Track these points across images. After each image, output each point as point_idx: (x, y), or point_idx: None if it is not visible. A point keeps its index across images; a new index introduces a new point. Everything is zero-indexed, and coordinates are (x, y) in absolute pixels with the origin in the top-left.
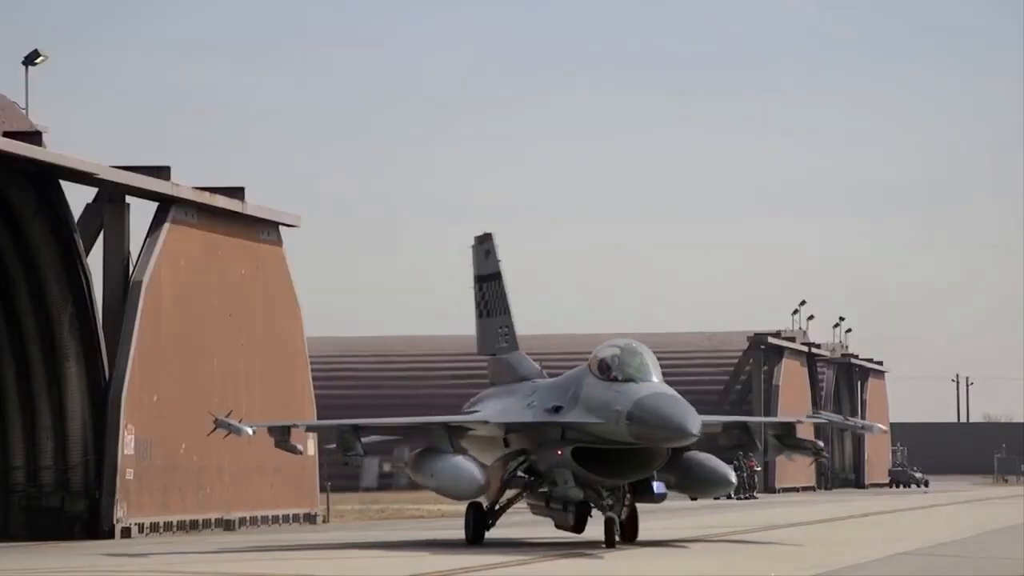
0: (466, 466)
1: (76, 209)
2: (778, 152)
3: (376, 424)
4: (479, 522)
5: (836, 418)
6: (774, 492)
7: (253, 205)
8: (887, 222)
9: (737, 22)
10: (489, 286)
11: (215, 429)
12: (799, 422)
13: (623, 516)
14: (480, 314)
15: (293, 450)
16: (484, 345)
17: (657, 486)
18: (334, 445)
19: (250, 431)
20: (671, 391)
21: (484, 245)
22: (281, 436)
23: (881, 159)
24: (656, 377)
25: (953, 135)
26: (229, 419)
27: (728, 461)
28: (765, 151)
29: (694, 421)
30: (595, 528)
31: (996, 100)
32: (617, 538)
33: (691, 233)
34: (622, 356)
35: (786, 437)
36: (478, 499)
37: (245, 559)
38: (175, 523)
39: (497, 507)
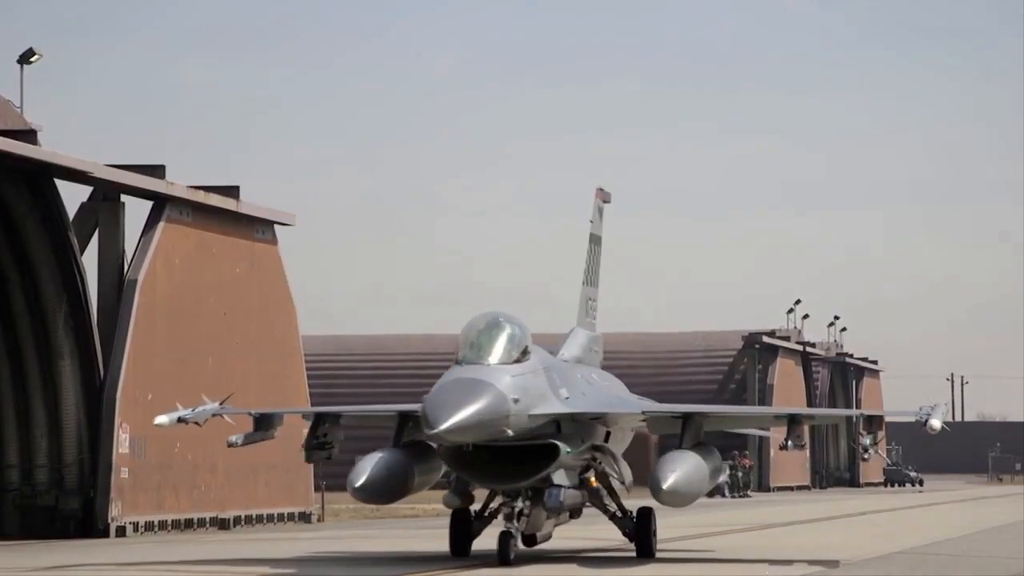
0: (376, 460)
1: (71, 208)
2: (774, 151)
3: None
4: (460, 530)
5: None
6: (769, 491)
7: (248, 204)
8: (882, 222)
9: (732, 19)
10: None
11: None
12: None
13: (535, 528)
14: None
15: (262, 439)
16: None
17: (551, 494)
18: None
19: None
20: (476, 376)
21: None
22: (260, 428)
23: (877, 159)
24: (496, 359)
25: (951, 135)
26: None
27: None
28: (761, 150)
29: (459, 416)
30: (605, 531)
31: (996, 100)
32: (512, 555)
33: (686, 232)
34: (465, 332)
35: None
36: (463, 504)
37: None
38: (169, 522)
39: (488, 513)
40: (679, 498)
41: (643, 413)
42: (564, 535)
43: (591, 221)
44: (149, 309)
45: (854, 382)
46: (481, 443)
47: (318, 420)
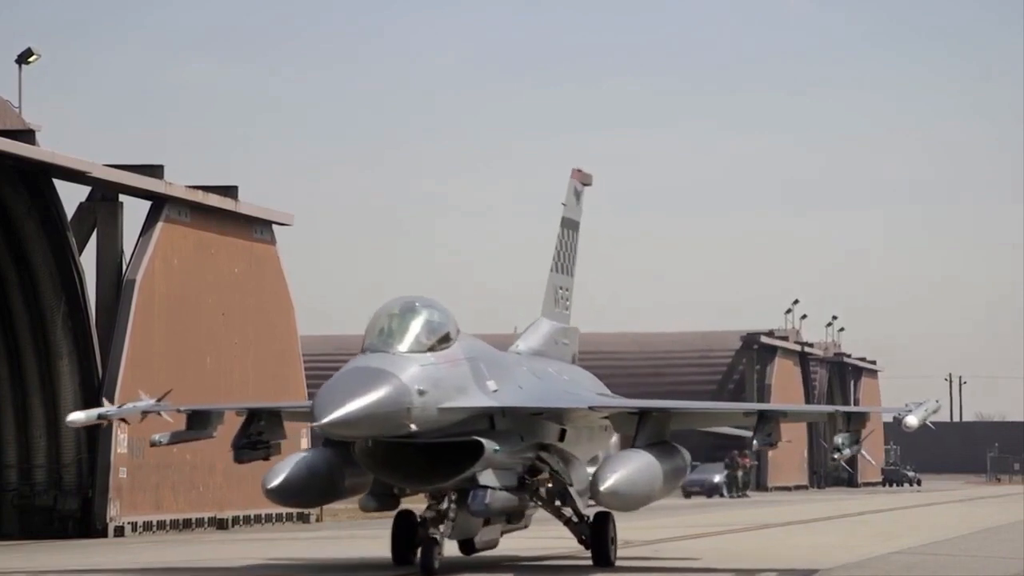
0: (296, 460)
1: (69, 208)
2: (773, 151)
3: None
4: (403, 536)
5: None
6: (767, 491)
7: (246, 204)
8: (882, 222)
9: (732, 19)
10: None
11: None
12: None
13: (466, 533)
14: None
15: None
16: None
17: (475, 496)
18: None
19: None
20: (377, 364)
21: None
22: (193, 426)
23: (877, 159)
24: (406, 346)
25: (951, 135)
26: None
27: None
28: (760, 150)
29: (348, 408)
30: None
31: (996, 100)
32: (436, 564)
33: (685, 232)
34: (374, 317)
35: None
36: (382, 508)
37: None
38: (168, 522)
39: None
40: (620, 501)
41: (590, 408)
42: (516, 542)
43: (564, 204)
44: (148, 309)
45: (852, 382)
46: (385, 439)
47: (251, 417)
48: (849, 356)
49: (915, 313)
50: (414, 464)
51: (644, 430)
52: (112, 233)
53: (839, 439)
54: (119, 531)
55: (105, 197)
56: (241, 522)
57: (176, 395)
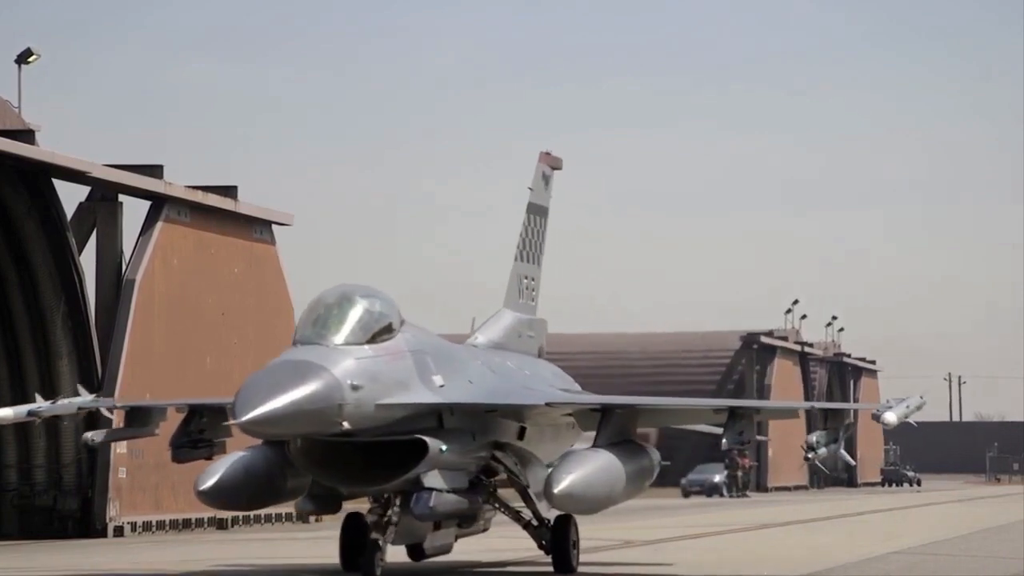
0: (233, 460)
1: (69, 208)
2: (773, 151)
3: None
4: (352, 541)
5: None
6: (766, 491)
7: (246, 204)
8: (882, 222)
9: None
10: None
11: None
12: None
13: (412, 538)
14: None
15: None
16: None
17: (419, 499)
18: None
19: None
20: (306, 357)
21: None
22: (132, 423)
23: (877, 159)
24: (341, 338)
25: (951, 135)
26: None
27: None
28: (760, 150)
29: (270, 405)
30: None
31: (996, 100)
32: (379, 570)
33: (685, 232)
34: (309, 307)
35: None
36: (319, 511)
37: None
38: (168, 522)
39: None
40: (575, 504)
41: (548, 404)
42: (476, 545)
43: (530, 188)
44: (147, 309)
45: (852, 382)
46: (316, 438)
47: (192, 413)
48: (849, 356)
49: (915, 313)
50: (355, 464)
51: (606, 428)
52: (112, 233)
53: (814, 437)
54: (119, 531)
55: (105, 197)
56: (240, 522)
57: (176, 395)
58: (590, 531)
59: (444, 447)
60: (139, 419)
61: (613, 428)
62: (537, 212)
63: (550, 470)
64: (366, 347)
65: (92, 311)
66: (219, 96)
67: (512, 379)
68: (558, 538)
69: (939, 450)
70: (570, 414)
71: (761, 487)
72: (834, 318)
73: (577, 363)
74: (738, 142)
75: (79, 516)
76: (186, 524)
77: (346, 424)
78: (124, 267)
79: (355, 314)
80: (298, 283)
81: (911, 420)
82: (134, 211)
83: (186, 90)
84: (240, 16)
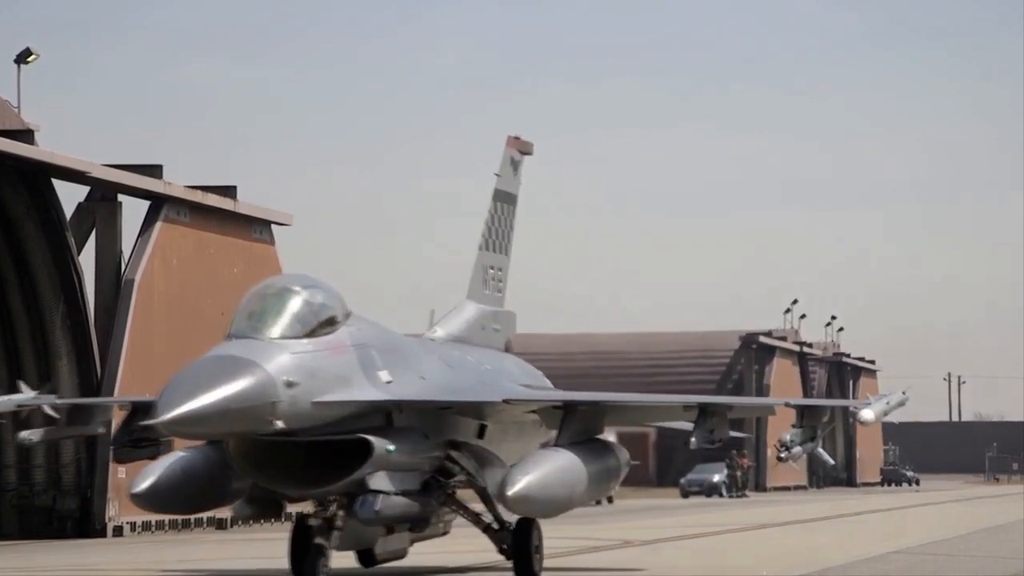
0: (172, 461)
1: (68, 208)
2: (773, 151)
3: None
4: (302, 546)
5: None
6: (765, 491)
7: (245, 204)
8: (879, 221)
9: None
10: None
11: None
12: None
13: (359, 543)
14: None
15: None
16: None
17: (363, 502)
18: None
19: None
20: (237, 352)
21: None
22: (72, 421)
23: (877, 159)
24: (277, 332)
25: (951, 135)
26: None
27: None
28: (760, 150)
29: (194, 403)
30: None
31: (996, 100)
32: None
33: (684, 231)
34: (244, 299)
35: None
36: (256, 516)
37: None
38: (167, 522)
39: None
40: (530, 507)
41: (506, 402)
42: (436, 547)
43: (497, 174)
44: (147, 309)
45: (851, 382)
46: (248, 438)
47: (134, 411)
48: (848, 356)
49: (915, 313)
50: (297, 466)
51: (569, 426)
52: (111, 233)
53: (788, 436)
54: (118, 531)
55: (104, 197)
56: (239, 522)
57: None
58: (589, 531)
59: (391, 447)
60: (82, 417)
61: (577, 426)
62: (504, 199)
63: (509, 470)
64: (304, 341)
65: (91, 311)
66: (219, 96)
67: (469, 374)
68: (519, 542)
69: (938, 450)
70: (534, 411)
71: (760, 487)
72: (833, 318)
73: (576, 363)
74: (738, 142)
75: (78, 516)
76: (185, 524)
77: (280, 423)
78: (123, 267)
79: (293, 306)
80: None
81: (891, 418)
82: (133, 211)
83: (186, 90)
84: (240, 16)
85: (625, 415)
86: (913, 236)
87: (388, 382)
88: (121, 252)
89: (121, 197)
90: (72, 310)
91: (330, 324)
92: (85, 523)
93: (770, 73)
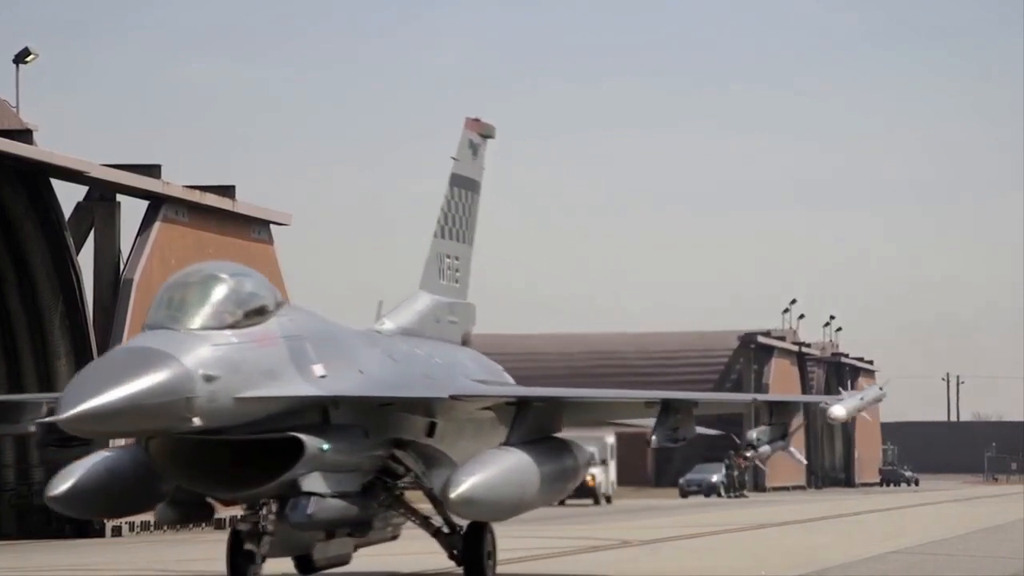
0: (95, 461)
1: (67, 207)
2: (773, 151)
3: None
4: (240, 552)
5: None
6: (764, 491)
7: (244, 203)
8: (881, 222)
9: (733, 18)
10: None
11: None
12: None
13: (292, 549)
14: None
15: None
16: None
17: (296, 505)
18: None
19: None
20: (151, 344)
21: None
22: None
23: (875, 159)
24: (199, 323)
25: (951, 135)
26: None
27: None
28: (760, 150)
29: (100, 399)
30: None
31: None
32: None
33: (683, 231)
34: (163, 288)
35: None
36: (181, 520)
37: None
38: None
39: None
40: (476, 510)
41: (452, 397)
42: (382, 551)
43: (455, 159)
44: (145, 309)
45: (849, 382)
46: (162, 436)
47: None
48: (847, 356)
49: (914, 313)
50: (224, 467)
51: (522, 424)
52: (110, 233)
53: (755, 434)
54: (116, 531)
55: (103, 197)
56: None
57: None
58: (588, 531)
59: (326, 446)
60: (10, 415)
61: (531, 424)
62: (463, 185)
63: (455, 470)
64: (227, 332)
65: (90, 311)
66: (218, 96)
67: (414, 369)
68: (471, 547)
69: (937, 450)
70: (489, 408)
71: (759, 487)
72: (832, 318)
73: (575, 363)
74: (738, 142)
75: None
76: (184, 524)
77: (198, 421)
78: (122, 267)
79: (217, 294)
80: (296, 283)
81: (864, 414)
82: (132, 211)
83: (185, 90)
84: (240, 16)
85: (585, 412)
86: (913, 236)
87: (322, 376)
88: (120, 252)
89: (120, 197)
90: (71, 310)
91: (259, 314)
92: (84, 523)
93: (770, 73)
